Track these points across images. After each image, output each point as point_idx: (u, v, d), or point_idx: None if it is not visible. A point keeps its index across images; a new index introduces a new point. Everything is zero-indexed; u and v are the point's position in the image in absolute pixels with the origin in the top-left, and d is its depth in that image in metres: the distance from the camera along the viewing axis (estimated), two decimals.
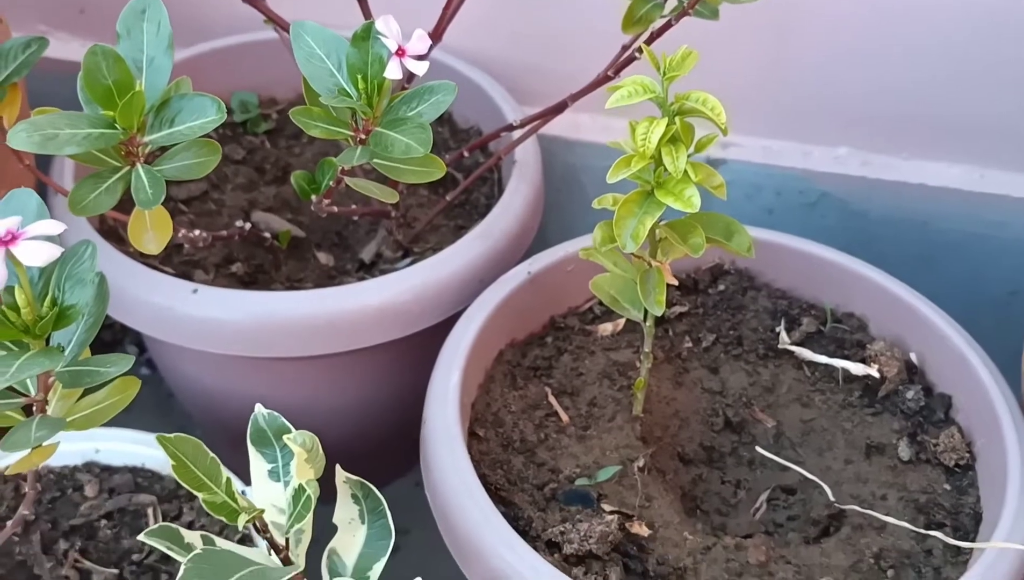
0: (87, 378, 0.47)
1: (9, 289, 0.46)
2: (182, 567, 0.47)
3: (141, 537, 0.51)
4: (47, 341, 0.48)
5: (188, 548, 0.53)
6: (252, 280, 0.85)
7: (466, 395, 0.72)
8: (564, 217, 1.00)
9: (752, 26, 0.88)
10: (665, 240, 0.63)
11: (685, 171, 0.59)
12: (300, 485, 0.52)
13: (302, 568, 0.52)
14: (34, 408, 0.51)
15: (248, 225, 0.78)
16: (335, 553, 0.56)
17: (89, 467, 0.81)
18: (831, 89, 0.94)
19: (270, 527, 0.53)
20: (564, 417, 0.74)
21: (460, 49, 0.94)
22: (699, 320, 0.81)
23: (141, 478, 0.80)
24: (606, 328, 0.80)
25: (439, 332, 0.80)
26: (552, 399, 0.75)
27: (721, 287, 0.82)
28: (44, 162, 0.86)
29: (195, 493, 0.50)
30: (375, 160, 0.56)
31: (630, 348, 0.78)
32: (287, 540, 0.53)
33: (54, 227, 0.46)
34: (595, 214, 1.05)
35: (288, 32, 0.58)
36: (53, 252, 0.45)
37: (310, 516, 0.52)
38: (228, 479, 0.52)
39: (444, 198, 0.86)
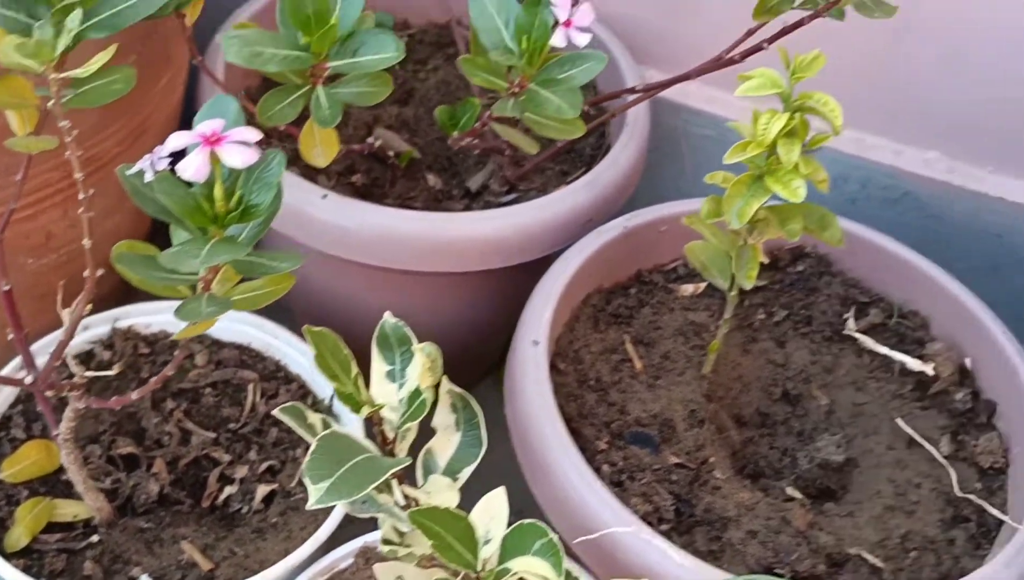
0: (258, 269, 0.54)
1: (207, 183, 0.53)
2: (314, 443, 0.54)
3: (275, 413, 0.58)
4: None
5: (310, 428, 0.60)
6: (368, 192, 0.91)
7: (552, 330, 0.79)
8: (657, 176, 1.06)
9: (869, 23, 0.92)
10: (764, 221, 0.69)
11: (796, 164, 0.65)
12: (418, 389, 0.59)
13: (409, 462, 0.59)
14: (200, 286, 0.58)
15: (378, 142, 0.84)
16: (431, 453, 0.63)
17: (202, 338, 0.88)
18: (935, 94, 0.97)
19: (384, 422, 0.60)
20: (638, 364, 0.81)
21: None
22: (775, 295, 0.87)
23: (247, 356, 0.88)
24: (687, 289, 0.86)
25: (534, 268, 0.86)
26: (629, 346, 0.82)
27: (800, 268, 0.88)
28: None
29: (330, 382, 0.58)
30: (525, 114, 0.62)
31: (707, 311, 0.84)
32: (395, 435, 0.61)
33: (252, 134, 0.53)
34: (687, 179, 1.11)
35: None
36: (251, 156, 0.52)
37: (420, 418, 0.59)
38: (357, 374, 0.59)
39: (554, 143, 0.92)
